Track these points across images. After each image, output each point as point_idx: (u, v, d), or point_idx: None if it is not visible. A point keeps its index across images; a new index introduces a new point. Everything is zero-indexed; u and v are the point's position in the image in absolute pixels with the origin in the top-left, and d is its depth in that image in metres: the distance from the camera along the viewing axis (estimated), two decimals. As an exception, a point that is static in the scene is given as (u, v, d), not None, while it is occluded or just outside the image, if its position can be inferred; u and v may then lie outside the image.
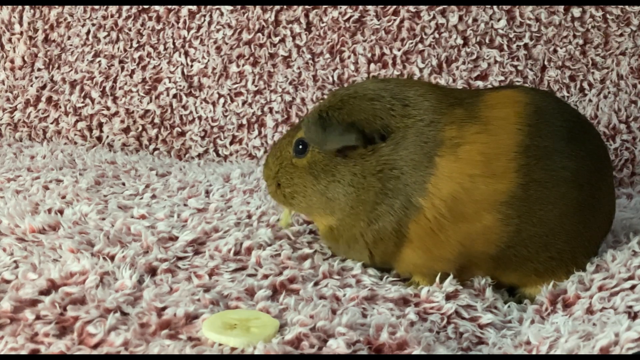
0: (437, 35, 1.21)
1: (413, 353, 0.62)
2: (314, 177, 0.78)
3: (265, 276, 0.76)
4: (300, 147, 0.80)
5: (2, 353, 0.59)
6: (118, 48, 1.29)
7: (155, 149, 1.28)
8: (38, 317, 0.63)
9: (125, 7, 1.28)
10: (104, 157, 1.18)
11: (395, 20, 1.22)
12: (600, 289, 0.73)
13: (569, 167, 0.74)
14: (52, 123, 1.30)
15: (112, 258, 0.75)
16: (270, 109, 1.25)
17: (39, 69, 1.32)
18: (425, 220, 0.73)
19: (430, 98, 0.76)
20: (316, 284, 0.76)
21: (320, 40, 1.24)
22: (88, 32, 1.30)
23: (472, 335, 0.70)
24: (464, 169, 0.73)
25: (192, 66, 1.27)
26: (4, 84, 1.32)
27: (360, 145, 0.75)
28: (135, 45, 1.29)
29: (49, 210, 0.87)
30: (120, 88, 1.29)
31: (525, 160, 0.73)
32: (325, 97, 1.17)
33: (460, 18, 1.21)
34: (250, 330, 0.63)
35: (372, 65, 1.23)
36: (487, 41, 1.21)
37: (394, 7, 1.22)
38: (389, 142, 0.75)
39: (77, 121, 1.29)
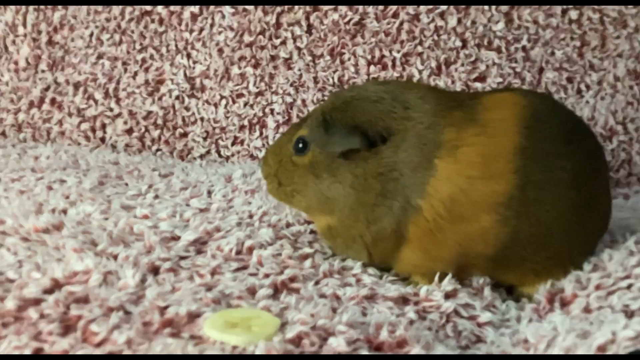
0: (436, 38, 1.22)
1: (412, 351, 0.62)
2: (315, 176, 0.78)
3: (267, 275, 0.76)
4: (301, 145, 0.80)
5: (6, 352, 0.59)
6: (121, 50, 1.30)
7: (157, 150, 1.29)
8: (42, 316, 0.63)
9: (128, 10, 1.29)
10: (107, 158, 1.18)
11: (394, 22, 1.22)
12: (598, 288, 0.73)
13: (566, 168, 0.75)
14: (55, 124, 1.31)
15: (115, 257, 0.75)
16: (272, 110, 1.26)
17: (42, 71, 1.32)
18: (424, 221, 0.74)
19: (430, 101, 0.76)
20: (317, 283, 0.76)
21: (320, 42, 1.25)
22: (91, 34, 1.30)
23: (471, 333, 0.70)
24: (463, 170, 0.73)
25: (194, 68, 1.28)
26: (8, 86, 1.33)
27: (363, 148, 0.76)
28: (138, 47, 1.29)
29: (53, 210, 0.87)
30: (123, 89, 1.29)
31: (523, 162, 0.73)
32: (326, 98, 1.18)
33: (459, 20, 1.22)
34: (252, 328, 0.63)
35: (372, 67, 1.23)
36: (485, 43, 1.22)
37: (394, 9, 1.22)
38: (389, 144, 0.75)
39: (80, 122, 1.30)
